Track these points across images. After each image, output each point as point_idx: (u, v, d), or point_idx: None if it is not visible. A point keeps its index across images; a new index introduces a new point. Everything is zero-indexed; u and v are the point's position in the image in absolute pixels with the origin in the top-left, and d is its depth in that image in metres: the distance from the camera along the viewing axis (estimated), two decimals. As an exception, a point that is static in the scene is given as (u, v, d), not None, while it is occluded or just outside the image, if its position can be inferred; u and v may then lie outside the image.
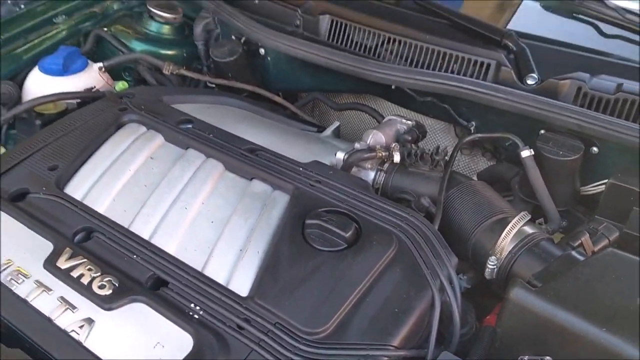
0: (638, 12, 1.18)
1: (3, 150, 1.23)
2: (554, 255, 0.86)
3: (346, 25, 1.32)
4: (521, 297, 0.78)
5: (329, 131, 1.22)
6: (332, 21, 1.33)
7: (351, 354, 0.75)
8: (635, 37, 1.17)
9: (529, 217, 0.91)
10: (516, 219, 0.90)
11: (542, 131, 1.07)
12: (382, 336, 0.78)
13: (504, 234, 0.89)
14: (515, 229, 0.89)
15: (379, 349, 0.76)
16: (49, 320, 0.81)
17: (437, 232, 0.91)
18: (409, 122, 1.15)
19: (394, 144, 1.07)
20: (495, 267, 0.89)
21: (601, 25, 1.22)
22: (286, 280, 0.84)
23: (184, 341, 0.78)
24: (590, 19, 1.23)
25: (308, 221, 0.90)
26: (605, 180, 1.00)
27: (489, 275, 0.90)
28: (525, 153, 1.01)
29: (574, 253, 0.85)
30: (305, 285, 0.83)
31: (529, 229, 0.91)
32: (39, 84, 1.30)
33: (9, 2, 1.45)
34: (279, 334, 0.77)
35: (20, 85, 1.34)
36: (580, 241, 0.88)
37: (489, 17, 1.43)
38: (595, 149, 1.05)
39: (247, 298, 0.82)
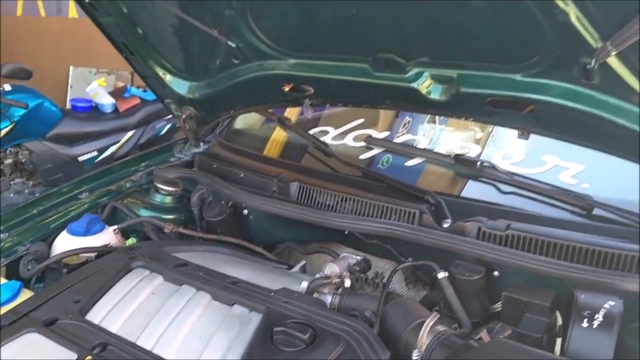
0: (520, 174, 1.59)
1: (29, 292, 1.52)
2: (459, 345, 1.14)
3: (311, 189, 1.71)
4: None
5: (297, 268, 1.54)
6: (300, 187, 1.72)
7: None
8: (521, 191, 1.55)
9: (438, 316, 1.20)
10: (429, 319, 1.19)
11: (457, 261, 1.40)
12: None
13: (421, 332, 1.17)
14: (428, 327, 1.17)
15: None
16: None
17: (375, 334, 1.19)
18: (358, 257, 1.48)
19: (345, 273, 1.38)
20: (418, 357, 1.16)
21: (497, 184, 1.61)
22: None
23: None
24: (488, 180, 1.62)
25: (275, 329, 1.19)
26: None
27: (415, 360, 1.17)
28: (441, 275, 1.33)
29: (473, 342, 1.13)
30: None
31: (440, 328, 1.19)
32: (66, 243, 1.63)
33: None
34: None
35: (50, 245, 1.67)
36: (480, 335, 1.17)
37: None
38: (496, 272, 1.37)
39: None
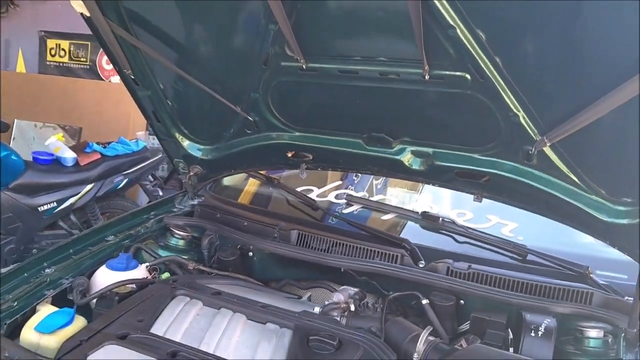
0: (475, 228, 2.10)
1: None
2: (447, 349, 1.58)
3: (308, 235, 2.12)
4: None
5: (305, 298, 1.93)
6: (299, 234, 2.13)
7: None
8: (473, 241, 2.05)
9: (431, 329, 1.64)
10: (424, 331, 1.62)
11: (434, 292, 1.85)
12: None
13: (419, 341, 1.60)
14: (424, 337, 1.61)
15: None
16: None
17: (384, 342, 1.60)
18: (355, 289, 1.89)
19: (349, 300, 1.80)
20: (417, 358, 1.58)
21: (455, 235, 2.11)
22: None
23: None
24: (448, 233, 2.12)
25: (310, 337, 1.57)
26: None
27: (414, 363, 1.59)
28: (425, 301, 1.77)
29: (456, 347, 1.58)
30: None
31: (431, 338, 1.63)
32: (107, 277, 1.93)
33: None
34: None
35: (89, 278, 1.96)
36: (460, 343, 1.61)
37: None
38: (462, 301, 1.83)
39: None
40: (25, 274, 1.89)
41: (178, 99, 2.18)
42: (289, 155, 2.18)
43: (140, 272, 1.99)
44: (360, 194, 2.42)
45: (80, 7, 1.85)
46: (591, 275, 1.81)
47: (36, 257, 1.97)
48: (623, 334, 1.60)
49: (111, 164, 4.32)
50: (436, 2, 1.43)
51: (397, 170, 2.01)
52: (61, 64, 5.88)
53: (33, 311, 1.78)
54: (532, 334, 1.64)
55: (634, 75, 1.33)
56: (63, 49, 5.82)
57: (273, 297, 1.90)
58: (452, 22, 1.47)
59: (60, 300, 1.86)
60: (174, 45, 1.98)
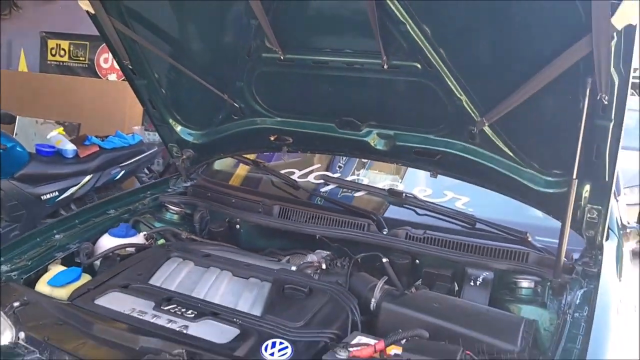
0: (433, 202, 2.38)
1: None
2: (398, 294, 1.86)
3: (288, 209, 2.40)
4: (388, 306, 1.76)
5: (284, 260, 2.21)
6: (281, 208, 2.40)
7: (313, 334, 1.66)
8: (431, 213, 2.33)
9: (386, 278, 1.92)
10: (380, 282, 1.90)
11: (394, 253, 2.13)
12: (327, 328, 1.69)
13: (375, 289, 1.88)
14: (380, 286, 1.89)
15: (325, 334, 1.67)
16: (164, 326, 1.65)
17: (348, 291, 1.88)
18: (327, 252, 2.17)
19: (321, 260, 2.07)
20: (374, 304, 1.86)
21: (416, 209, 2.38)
22: (277, 309, 1.75)
23: (233, 332, 1.65)
24: (410, 207, 2.39)
25: (285, 286, 1.85)
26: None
27: (372, 308, 1.86)
28: (385, 260, 2.05)
29: (406, 292, 1.86)
30: (287, 311, 1.75)
31: (386, 286, 1.91)
32: (109, 243, 2.20)
33: None
34: (279, 327, 1.67)
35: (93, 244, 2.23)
36: (410, 290, 1.90)
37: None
38: (417, 260, 2.11)
39: (260, 316, 1.73)
40: (38, 239, 2.17)
41: (171, 87, 2.46)
42: (272, 138, 2.45)
43: (138, 239, 2.27)
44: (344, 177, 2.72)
45: (86, 6, 2.14)
46: (529, 239, 2.08)
47: (47, 225, 2.25)
48: (549, 284, 1.88)
49: (109, 156, 4.58)
50: (389, 2, 1.72)
51: (364, 151, 2.30)
52: (61, 63, 6.16)
53: (45, 270, 2.06)
54: (472, 284, 1.93)
55: (552, 62, 1.63)
56: (63, 49, 6.09)
57: (256, 260, 2.18)
58: (402, 19, 1.76)
59: (68, 262, 2.13)
60: (167, 39, 2.26)
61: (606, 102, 1.62)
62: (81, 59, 6.08)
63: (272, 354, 1.56)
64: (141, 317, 1.70)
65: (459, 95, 1.89)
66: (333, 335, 1.67)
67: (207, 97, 2.39)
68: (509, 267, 1.97)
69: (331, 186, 2.62)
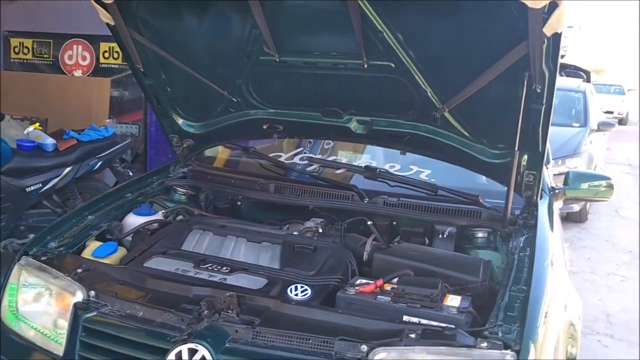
0: (402, 175, 2.88)
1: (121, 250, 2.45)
2: (385, 247, 2.35)
3: (282, 187, 2.84)
4: (379, 256, 2.25)
5: (284, 228, 2.66)
6: (276, 185, 2.85)
7: (324, 279, 2.13)
8: (401, 184, 2.83)
9: (374, 236, 2.41)
10: (369, 238, 2.39)
11: (375, 217, 2.61)
12: (333, 274, 2.17)
13: (366, 244, 2.37)
14: (370, 241, 2.38)
15: (333, 278, 2.15)
16: (207, 280, 2.08)
17: (344, 248, 2.36)
18: (321, 219, 2.63)
19: (318, 225, 2.54)
20: (366, 255, 2.35)
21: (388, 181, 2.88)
22: (292, 263, 2.21)
23: (262, 281, 2.10)
24: (383, 179, 2.88)
25: (295, 246, 2.31)
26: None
27: (364, 259, 2.35)
28: (369, 222, 2.53)
29: (390, 245, 2.36)
30: (300, 264, 2.21)
31: (375, 242, 2.40)
32: (135, 220, 2.58)
33: None
34: (297, 275, 2.13)
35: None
36: (394, 244, 2.40)
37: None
38: (394, 222, 2.61)
39: (280, 268, 2.18)
40: (74, 220, 2.53)
41: (176, 86, 2.84)
42: (264, 127, 2.88)
43: (158, 217, 2.66)
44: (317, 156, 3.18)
45: (107, 19, 2.49)
46: (481, 201, 2.61)
47: (79, 208, 2.62)
48: (499, 233, 2.42)
49: (86, 148, 4.86)
50: (369, 14, 2.18)
51: (346, 135, 2.76)
52: (25, 61, 6.29)
53: (84, 246, 2.43)
54: (440, 237, 2.45)
55: (498, 60, 2.13)
56: (26, 47, 6.23)
57: (264, 228, 2.61)
58: (380, 28, 2.22)
59: (101, 238, 2.51)
60: (176, 46, 2.64)
61: (539, 91, 2.13)
62: (45, 56, 6.24)
63: (296, 295, 2.03)
64: (187, 274, 2.12)
65: (424, 88, 2.38)
66: (339, 280, 2.15)
67: (208, 94, 2.78)
68: (468, 222, 2.50)
69: (315, 166, 3.08)
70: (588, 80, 11.87)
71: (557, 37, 1.96)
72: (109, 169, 5.33)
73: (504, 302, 1.89)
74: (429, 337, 1.71)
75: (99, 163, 4.98)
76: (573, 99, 8.89)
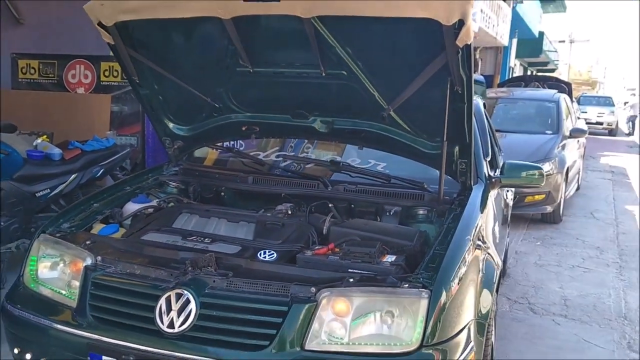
0: (361, 167, 3.37)
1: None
2: (340, 222, 2.84)
3: (259, 178, 3.34)
4: (334, 228, 2.74)
5: (260, 212, 3.15)
6: (254, 178, 3.34)
7: (288, 246, 2.62)
8: (360, 175, 3.32)
9: (332, 214, 2.90)
10: (328, 216, 2.88)
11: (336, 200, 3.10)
12: (297, 243, 2.65)
13: (326, 221, 2.85)
14: (328, 219, 2.87)
15: (296, 246, 2.63)
16: (192, 247, 2.57)
17: (307, 223, 2.84)
18: (289, 204, 3.12)
19: (287, 208, 3.03)
20: (325, 229, 2.83)
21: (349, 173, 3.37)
22: (262, 235, 2.70)
23: (237, 248, 2.58)
24: (345, 171, 3.37)
25: (267, 223, 2.80)
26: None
27: (324, 232, 2.83)
28: (331, 205, 3.02)
29: (345, 221, 2.85)
30: (269, 236, 2.70)
31: (333, 219, 2.89)
32: (134, 207, 3.08)
33: None
34: (266, 244, 2.62)
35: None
36: (348, 220, 2.89)
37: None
38: (352, 205, 3.10)
39: (252, 239, 2.67)
40: (82, 207, 3.02)
41: (167, 94, 3.34)
42: (243, 129, 3.38)
43: (153, 204, 3.15)
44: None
45: (108, 39, 3.00)
46: (425, 186, 3.10)
47: (86, 198, 3.11)
48: (434, 210, 2.92)
49: (90, 157, 5.36)
50: (322, 32, 2.68)
51: (312, 134, 3.27)
52: (32, 80, 6.82)
53: (90, 227, 2.92)
54: (387, 214, 2.94)
55: (425, 68, 2.63)
56: (33, 67, 6.76)
57: (242, 211, 3.10)
58: (332, 44, 2.72)
59: (104, 222, 2.99)
60: (166, 60, 3.14)
61: (460, 92, 2.64)
62: (50, 75, 6.77)
63: (264, 258, 2.51)
64: (176, 243, 2.61)
65: (372, 92, 2.88)
66: (301, 247, 2.63)
67: (194, 101, 3.28)
68: (412, 203, 3.00)
69: (288, 161, 3.58)
70: (569, 92, 12.45)
71: (468, 47, 2.45)
72: (110, 176, 5.82)
73: (428, 257, 2.38)
74: (364, 280, 2.19)
75: (101, 170, 5.47)
76: (548, 108, 9.41)
